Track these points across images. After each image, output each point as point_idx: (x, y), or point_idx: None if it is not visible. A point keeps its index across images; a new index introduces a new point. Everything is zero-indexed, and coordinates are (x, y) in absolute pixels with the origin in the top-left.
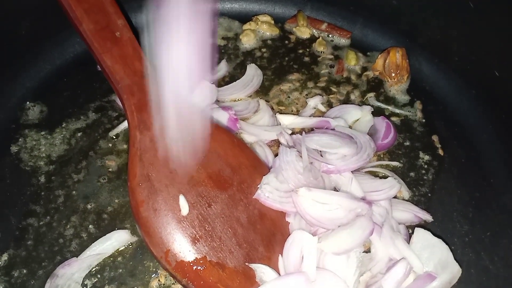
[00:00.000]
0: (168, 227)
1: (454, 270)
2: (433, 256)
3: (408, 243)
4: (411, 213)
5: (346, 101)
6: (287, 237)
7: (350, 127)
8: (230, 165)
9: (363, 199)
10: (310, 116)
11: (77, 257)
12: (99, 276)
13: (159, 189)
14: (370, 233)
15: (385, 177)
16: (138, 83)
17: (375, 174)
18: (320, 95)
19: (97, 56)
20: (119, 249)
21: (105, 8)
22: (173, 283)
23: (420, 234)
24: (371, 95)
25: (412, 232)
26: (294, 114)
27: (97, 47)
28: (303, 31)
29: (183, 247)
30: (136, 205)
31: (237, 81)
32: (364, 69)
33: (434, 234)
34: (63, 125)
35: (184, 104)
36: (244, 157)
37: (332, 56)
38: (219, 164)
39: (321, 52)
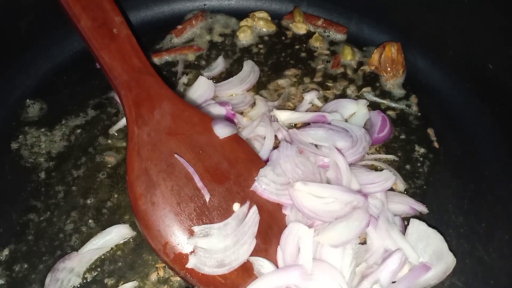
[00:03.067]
0: (166, 220)
1: (449, 261)
2: (428, 247)
3: (404, 235)
4: (407, 205)
5: (342, 95)
6: (283, 229)
7: (346, 121)
8: (227, 159)
9: (359, 191)
10: (306, 111)
11: (77, 251)
12: (99, 269)
13: (157, 183)
14: (366, 225)
15: (380, 169)
16: (136, 79)
17: (371, 167)
18: (316, 90)
19: (95, 53)
20: (119, 243)
21: (102, 5)
22: (172, 276)
23: (416, 225)
24: (367, 90)
25: (408, 224)
26: (290, 109)
27: (95, 44)
28: (300, 27)
29: (180, 240)
30: (134, 199)
31: (234, 77)
32: (360, 64)
33: (429, 225)
34: (62, 122)
35: None
36: (241, 151)
37: (328, 52)
38: (216, 158)
39: (318, 47)
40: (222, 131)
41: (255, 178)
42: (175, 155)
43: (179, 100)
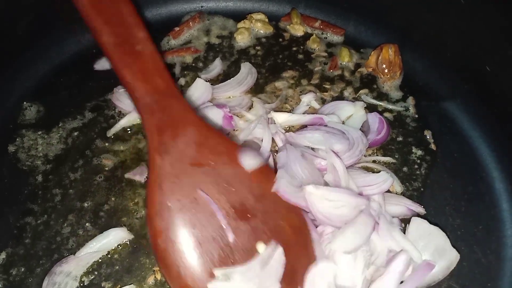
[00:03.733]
0: (186, 261)
1: (452, 256)
2: (430, 244)
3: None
4: (404, 206)
5: (340, 98)
6: (308, 269)
7: (343, 123)
8: (253, 194)
9: (360, 194)
10: (303, 113)
11: (74, 254)
12: (96, 273)
13: (178, 220)
14: (373, 227)
15: (378, 172)
16: (159, 102)
17: (368, 169)
18: (313, 92)
19: (116, 71)
20: (116, 247)
21: (126, 19)
22: None
23: (417, 223)
24: (364, 92)
25: (406, 226)
26: (288, 112)
27: (116, 62)
28: (297, 29)
29: (200, 285)
30: (154, 235)
31: (231, 79)
32: (358, 65)
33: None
34: (59, 125)
35: None
36: (268, 184)
37: (325, 54)
38: (242, 193)
39: (315, 49)
40: (249, 163)
41: (275, 180)
42: (199, 191)
43: (204, 124)
